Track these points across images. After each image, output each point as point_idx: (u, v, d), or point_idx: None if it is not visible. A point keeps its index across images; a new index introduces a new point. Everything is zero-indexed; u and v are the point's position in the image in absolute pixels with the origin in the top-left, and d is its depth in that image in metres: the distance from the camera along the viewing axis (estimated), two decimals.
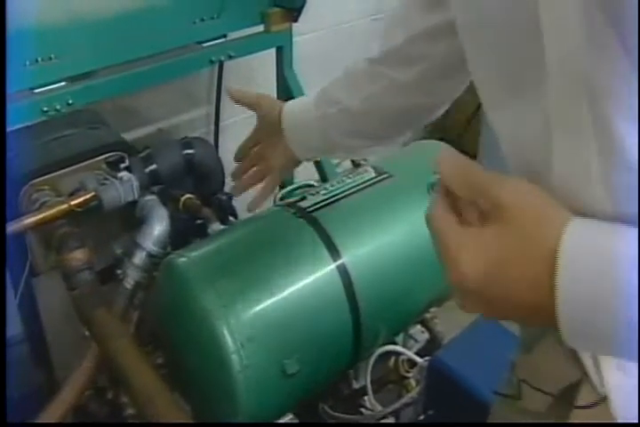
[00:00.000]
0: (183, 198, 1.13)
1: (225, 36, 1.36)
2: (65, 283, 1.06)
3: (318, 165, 1.42)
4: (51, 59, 1.24)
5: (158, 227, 1.08)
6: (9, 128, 1.32)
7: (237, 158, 0.98)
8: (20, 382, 1.18)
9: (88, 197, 1.12)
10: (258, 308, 0.86)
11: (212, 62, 1.40)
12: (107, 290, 1.08)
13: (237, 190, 0.97)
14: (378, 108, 0.84)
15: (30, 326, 1.23)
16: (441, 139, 1.14)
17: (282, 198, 1.27)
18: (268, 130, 0.92)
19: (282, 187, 1.34)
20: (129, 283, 1.05)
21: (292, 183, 1.38)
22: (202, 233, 1.09)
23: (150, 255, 1.06)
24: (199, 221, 1.10)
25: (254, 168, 0.95)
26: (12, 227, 1.10)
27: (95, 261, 1.09)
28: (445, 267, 0.44)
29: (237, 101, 0.93)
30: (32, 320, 1.22)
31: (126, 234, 1.15)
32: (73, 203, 1.11)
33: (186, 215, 1.11)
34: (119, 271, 1.08)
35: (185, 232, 1.10)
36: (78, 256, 1.06)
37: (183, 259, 0.95)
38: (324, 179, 1.39)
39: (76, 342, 1.09)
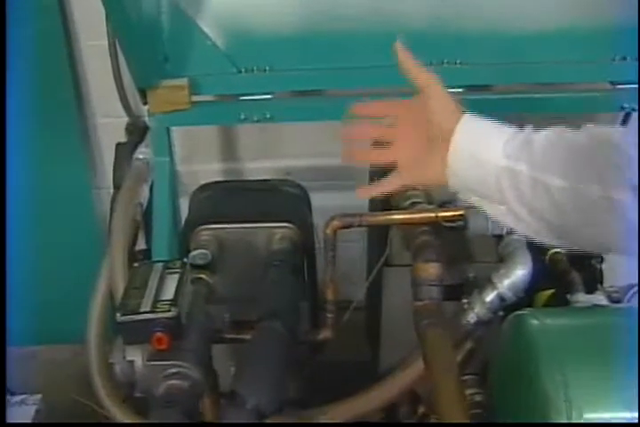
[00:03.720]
0: (551, 251, 1.13)
1: None
2: (411, 290, 1.13)
3: None
4: (265, 70, 1.30)
5: (519, 272, 1.09)
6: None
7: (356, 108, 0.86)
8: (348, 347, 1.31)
9: (456, 213, 1.15)
10: (606, 416, 0.83)
11: (622, 109, 1.33)
12: (447, 308, 1.12)
13: (345, 158, 0.86)
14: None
15: (371, 306, 1.35)
16: None
17: None
18: (428, 130, 0.79)
19: None
20: (472, 318, 1.09)
21: None
22: (560, 296, 1.07)
23: (501, 298, 1.08)
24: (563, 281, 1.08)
25: (378, 148, 0.84)
26: (378, 217, 1.20)
27: (445, 278, 1.14)
28: None
29: (403, 72, 0.81)
30: (374, 302, 1.34)
31: (484, 262, 1.18)
32: (440, 215, 1.16)
33: (549, 270, 1.10)
34: (465, 301, 1.12)
35: (542, 287, 1.10)
36: (430, 270, 1.10)
37: (536, 322, 0.95)
38: None
39: (408, 334, 1.15)
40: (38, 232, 1.68)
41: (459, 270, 1.22)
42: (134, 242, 1.34)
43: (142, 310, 0.90)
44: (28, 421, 1.36)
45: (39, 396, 1.41)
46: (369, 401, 1.20)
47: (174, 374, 0.90)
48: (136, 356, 0.94)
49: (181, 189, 1.45)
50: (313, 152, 1.63)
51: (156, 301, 0.91)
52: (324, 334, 1.22)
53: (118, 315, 0.91)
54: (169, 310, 0.90)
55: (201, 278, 1.10)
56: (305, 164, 1.62)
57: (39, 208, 1.67)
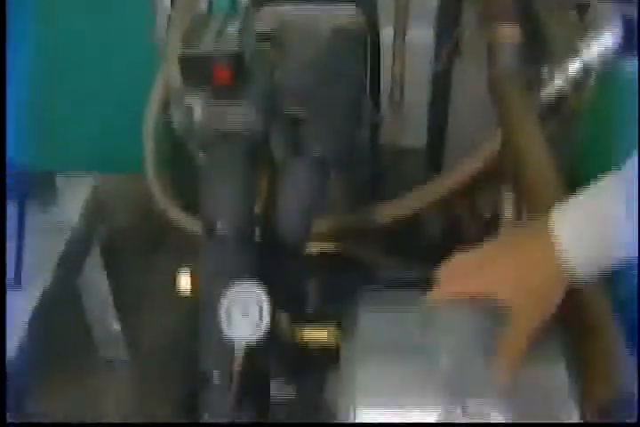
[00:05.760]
0: None
1: None
2: (487, 59, 1.06)
3: None
4: None
5: (607, 39, 0.99)
6: None
7: None
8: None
9: None
10: None
11: None
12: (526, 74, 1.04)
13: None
14: None
15: (436, 105, 1.27)
16: None
17: None
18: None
19: None
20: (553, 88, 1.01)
21: None
22: None
23: (585, 68, 0.99)
24: None
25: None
26: None
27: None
28: None
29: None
30: (440, 101, 1.27)
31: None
32: None
33: None
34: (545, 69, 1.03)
35: None
36: (506, 32, 1.03)
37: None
38: None
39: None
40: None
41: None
42: None
43: (204, 46, 0.86)
44: None
45: None
46: (427, 194, 1.16)
47: (234, 116, 0.87)
48: (195, 103, 0.90)
49: None
50: None
51: (219, 38, 0.87)
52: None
53: (180, 51, 0.87)
54: (233, 48, 0.86)
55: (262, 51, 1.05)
56: None
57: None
